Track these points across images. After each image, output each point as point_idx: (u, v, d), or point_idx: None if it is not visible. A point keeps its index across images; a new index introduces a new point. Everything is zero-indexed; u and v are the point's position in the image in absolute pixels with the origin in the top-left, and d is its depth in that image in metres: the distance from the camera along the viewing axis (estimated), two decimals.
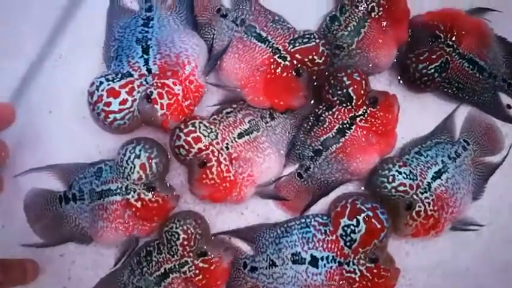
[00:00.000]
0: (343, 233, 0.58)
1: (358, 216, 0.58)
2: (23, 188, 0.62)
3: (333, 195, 0.63)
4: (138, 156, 0.57)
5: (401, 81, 0.67)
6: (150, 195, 0.58)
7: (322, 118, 0.62)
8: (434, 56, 0.63)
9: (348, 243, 0.58)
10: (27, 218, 0.61)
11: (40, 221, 0.61)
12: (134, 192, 0.58)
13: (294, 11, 0.65)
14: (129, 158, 0.57)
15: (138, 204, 0.58)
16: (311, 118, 0.63)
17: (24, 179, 0.62)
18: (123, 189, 0.58)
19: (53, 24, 0.65)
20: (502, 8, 0.67)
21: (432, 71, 0.63)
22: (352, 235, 0.57)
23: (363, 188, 0.64)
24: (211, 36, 0.64)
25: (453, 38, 0.64)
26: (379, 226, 0.57)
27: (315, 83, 0.63)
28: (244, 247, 0.62)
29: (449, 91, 0.66)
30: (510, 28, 0.68)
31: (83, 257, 0.62)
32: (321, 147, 0.62)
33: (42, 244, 0.61)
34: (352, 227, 0.58)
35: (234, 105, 0.62)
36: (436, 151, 0.64)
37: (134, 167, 0.56)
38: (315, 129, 0.62)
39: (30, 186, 0.62)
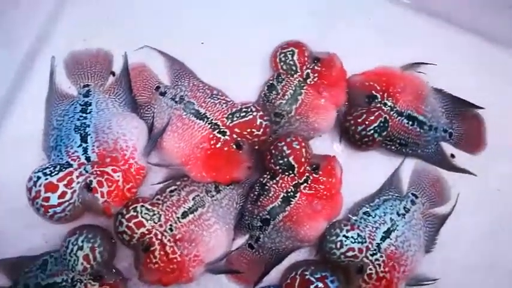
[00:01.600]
0: None
1: None
2: None
3: (286, 263, 0.63)
4: (81, 248, 0.56)
5: (342, 143, 0.67)
6: (97, 285, 0.57)
7: (267, 187, 0.62)
8: (372, 117, 0.64)
9: None
10: None
11: None
12: (81, 283, 0.57)
13: (235, 81, 0.66)
14: (72, 250, 0.56)
15: None
16: (257, 187, 0.63)
17: None
18: (69, 281, 0.57)
19: None
20: (435, 60, 0.69)
21: (372, 131, 0.64)
22: None
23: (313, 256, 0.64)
24: (152, 115, 0.64)
25: (390, 97, 0.65)
26: None
27: (258, 152, 0.63)
28: None
29: (393, 147, 0.67)
30: (445, 79, 0.69)
31: None
32: (268, 217, 0.62)
33: None
34: None
35: (178, 183, 0.62)
36: (384, 209, 0.64)
37: (78, 259, 0.56)
38: (261, 199, 0.62)
39: None
